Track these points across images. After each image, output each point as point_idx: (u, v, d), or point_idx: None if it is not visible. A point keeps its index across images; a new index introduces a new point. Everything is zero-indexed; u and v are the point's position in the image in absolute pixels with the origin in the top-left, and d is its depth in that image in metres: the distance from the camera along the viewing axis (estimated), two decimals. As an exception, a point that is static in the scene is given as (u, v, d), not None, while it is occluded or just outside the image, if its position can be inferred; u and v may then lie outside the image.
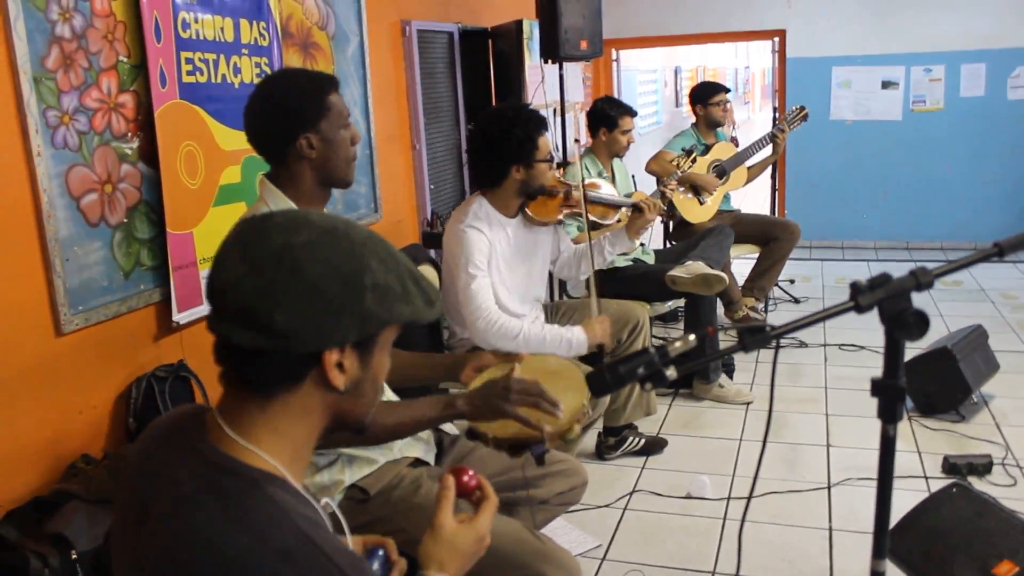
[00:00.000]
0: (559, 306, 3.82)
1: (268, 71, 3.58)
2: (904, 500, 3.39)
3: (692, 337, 1.47)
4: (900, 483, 3.59)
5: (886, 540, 1.63)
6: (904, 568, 2.69)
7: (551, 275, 3.97)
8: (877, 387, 1.51)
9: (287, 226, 1.13)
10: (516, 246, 3.31)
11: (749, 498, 3.38)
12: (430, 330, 3.77)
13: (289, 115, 2.08)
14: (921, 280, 1.45)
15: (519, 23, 5.55)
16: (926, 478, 3.61)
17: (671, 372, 1.44)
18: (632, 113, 4.77)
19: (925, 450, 3.86)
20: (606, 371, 1.43)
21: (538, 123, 3.22)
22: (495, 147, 3.19)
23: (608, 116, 4.70)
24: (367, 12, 4.39)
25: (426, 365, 2.54)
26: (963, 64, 7.96)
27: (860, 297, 1.43)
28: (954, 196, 8.19)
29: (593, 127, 4.75)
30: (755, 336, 1.45)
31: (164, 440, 1.20)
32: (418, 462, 2.32)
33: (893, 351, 1.48)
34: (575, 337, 3.14)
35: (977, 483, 3.52)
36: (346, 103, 2.19)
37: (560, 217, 3.40)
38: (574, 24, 4.99)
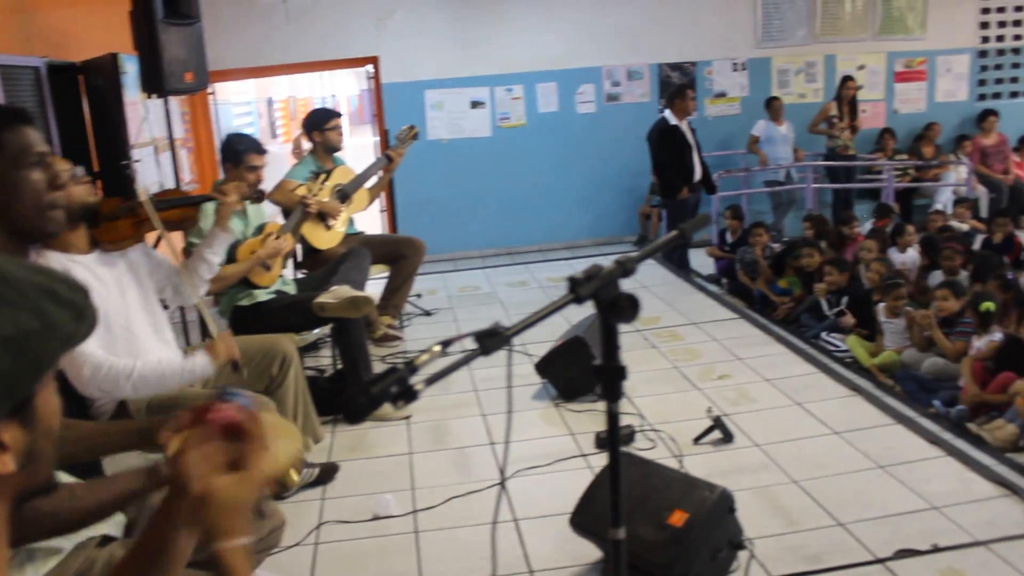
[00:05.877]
0: None
1: None
2: (573, 479, 3.69)
3: (437, 347, 1.49)
4: (564, 465, 3.90)
5: (620, 509, 1.76)
6: (594, 540, 2.93)
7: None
8: (599, 371, 1.64)
9: None
10: (106, 283, 3.01)
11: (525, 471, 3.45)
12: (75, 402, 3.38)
13: None
14: (626, 267, 1.60)
15: (113, 56, 5.17)
16: (584, 456, 3.94)
17: (420, 386, 1.45)
18: (261, 151, 4.55)
19: (577, 431, 4.22)
20: (360, 395, 1.40)
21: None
22: None
23: (235, 152, 4.50)
24: (-66, 47, 3.85)
25: (112, 434, 2.19)
26: (538, 83, 8.82)
27: (579, 288, 1.55)
28: (543, 202, 9.03)
29: (222, 162, 4.58)
30: (493, 338, 1.50)
31: None
32: (106, 539, 2.09)
33: (609, 336, 1.62)
34: (198, 362, 3.02)
35: (626, 451, 3.91)
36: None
37: (138, 235, 3.16)
38: (177, 56, 4.78)
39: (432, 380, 1.47)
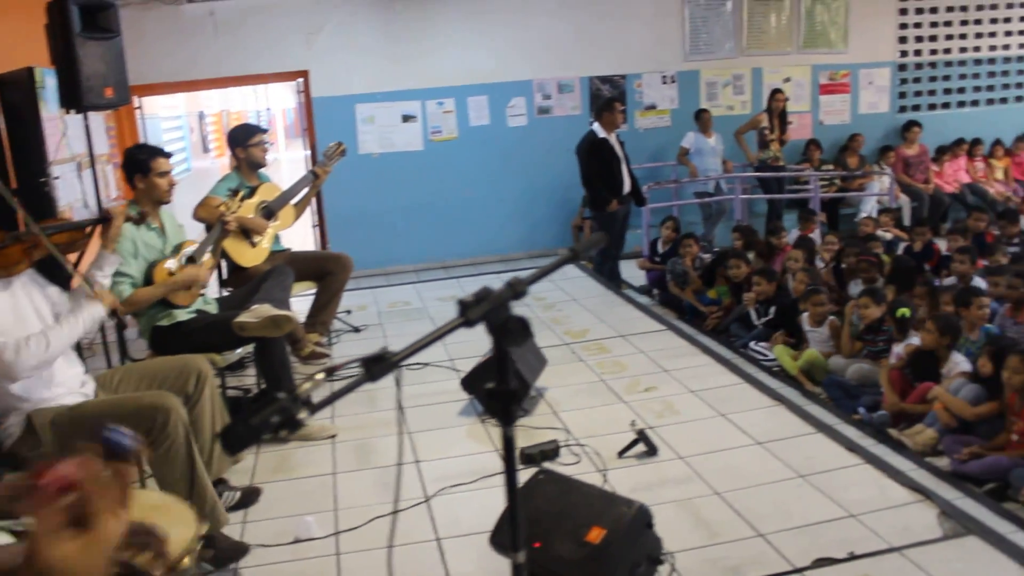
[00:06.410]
0: (113, 374, 3.60)
1: None
2: (498, 496, 3.67)
3: (321, 375, 1.46)
4: (489, 482, 3.88)
5: (519, 533, 1.75)
6: (512, 558, 2.90)
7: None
8: (493, 394, 1.63)
9: None
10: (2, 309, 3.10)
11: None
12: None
13: None
14: (516, 289, 1.59)
15: (30, 71, 5.03)
16: (509, 472, 3.92)
17: (303, 414, 1.42)
18: (165, 155, 4.51)
19: (502, 447, 4.19)
20: (239, 425, 1.36)
21: None
22: None
23: (139, 161, 4.40)
24: None
25: None
26: (469, 97, 8.83)
27: (468, 312, 1.53)
28: (477, 215, 9.02)
29: (129, 177, 4.46)
30: (380, 364, 1.48)
31: None
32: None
33: (502, 359, 1.61)
34: (93, 309, 3.30)
35: (552, 467, 3.90)
36: None
37: (28, 260, 3.24)
38: (96, 71, 4.66)
39: (316, 408, 1.44)
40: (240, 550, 3.43)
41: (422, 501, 3.76)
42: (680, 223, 8.12)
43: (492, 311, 1.55)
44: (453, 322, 1.55)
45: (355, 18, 8.52)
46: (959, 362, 4.47)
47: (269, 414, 1.37)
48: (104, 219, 3.64)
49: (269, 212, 5.62)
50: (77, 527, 1.09)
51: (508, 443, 1.66)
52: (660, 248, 7.84)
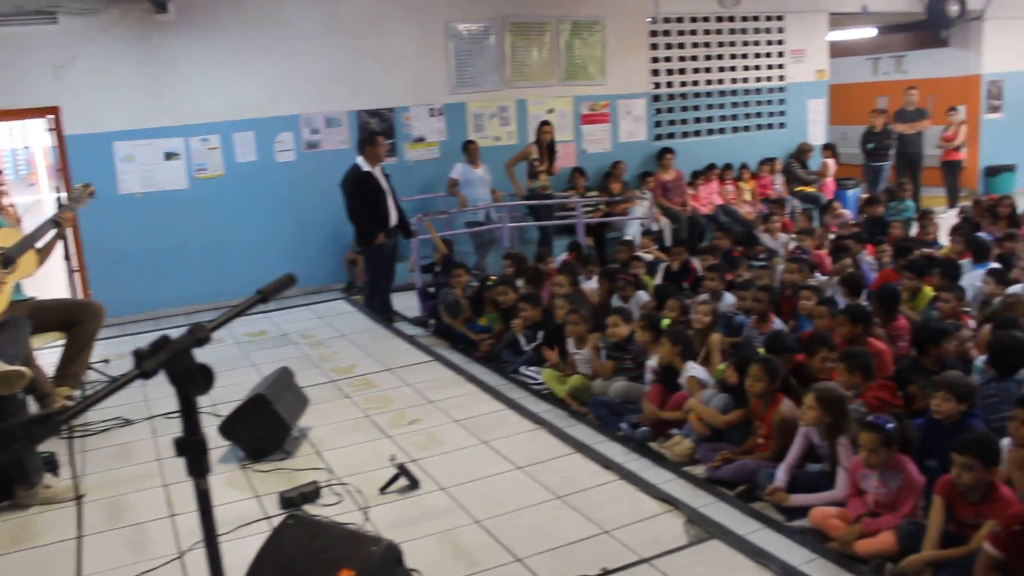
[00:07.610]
0: None
1: None
2: (253, 545, 3.55)
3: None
4: (246, 530, 3.75)
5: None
6: (261, 609, 2.81)
7: None
8: (181, 446, 1.58)
9: None
10: None
11: None
12: None
13: None
14: (199, 335, 1.56)
15: None
16: (268, 519, 3.81)
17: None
18: None
19: (262, 492, 4.08)
20: None
21: None
22: None
23: None
24: None
25: None
26: (235, 132, 8.60)
27: (144, 363, 1.48)
28: (247, 253, 8.73)
29: None
30: (43, 425, 1.41)
31: None
32: None
33: (188, 408, 1.56)
34: None
35: (313, 509, 3.83)
36: None
37: None
38: None
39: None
40: None
41: (175, 557, 3.58)
42: (453, 246, 8.25)
43: (171, 360, 1.50)
44: (129, 374, 1.49)
45: (109, 51, 8.10)
46: (691, 368, 4.78)
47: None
48: None
49: (7, 259, 5.21)
50: None
51: (202, 497, 1.61)
52: (437, 270, 7.97)
